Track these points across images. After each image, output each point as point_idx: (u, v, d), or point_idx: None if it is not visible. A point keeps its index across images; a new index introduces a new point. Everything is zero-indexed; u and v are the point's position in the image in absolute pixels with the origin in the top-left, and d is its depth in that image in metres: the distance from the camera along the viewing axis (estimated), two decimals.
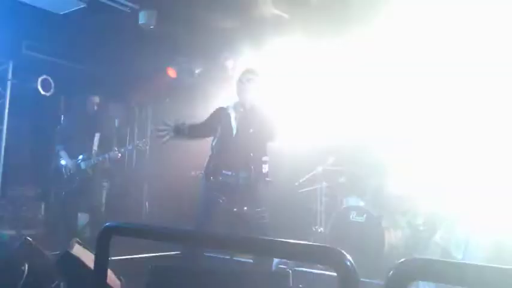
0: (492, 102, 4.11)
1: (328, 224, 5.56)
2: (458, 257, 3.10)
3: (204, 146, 4.30)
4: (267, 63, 6.48)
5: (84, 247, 3.70)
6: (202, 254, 3.94)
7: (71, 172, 5.61)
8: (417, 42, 5.20)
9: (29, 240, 4.03)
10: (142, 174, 8.02)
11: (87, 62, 6.90)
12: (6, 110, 6.36)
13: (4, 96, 6.38)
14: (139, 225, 2.29)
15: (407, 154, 5.73)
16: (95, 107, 5.81)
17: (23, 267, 3.73)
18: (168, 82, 7.40)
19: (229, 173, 3.78)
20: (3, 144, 6.29)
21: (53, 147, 5.74)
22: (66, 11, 5.57)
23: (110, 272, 3.13)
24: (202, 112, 4.53)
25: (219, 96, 6.73)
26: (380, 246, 5.13)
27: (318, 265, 4.64)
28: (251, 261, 4.00)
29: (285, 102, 6.47)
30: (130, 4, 5.49)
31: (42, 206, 6.44)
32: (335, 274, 1.27)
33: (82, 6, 5.41)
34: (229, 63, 6.88)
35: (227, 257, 4.81)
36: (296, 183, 6.18)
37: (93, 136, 5.80)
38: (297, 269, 4.85)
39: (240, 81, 3.89)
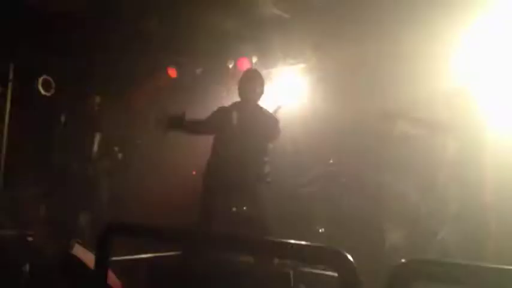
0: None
1: (329, 224, 5.55)
2: (458, 257, 3.10)
3: (204, 146, 4.30)
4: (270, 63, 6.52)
5: (85, 247, 3.70)
6: (202, 254, 3.94)
7: (72, 172, 5.62)
8: None
9: (30, 241, 4.04)
10: (143, 174, 8.00)
11: (88, 62, 6.89)
12: (7, 110, 6.35)
13: (4, 96, 6.38)
14: (139, 225, 2.29)
15: (408, 153, 5.74)
16: (96, 107, 5.81)
17: (23, 268, 3.74)
18: (169, 82, 7.40)
19: (230, 173, 3.79)
20: (4, 144, 6.29)
21: (54, 147, 5.74)
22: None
23: (110, 272, 3.14)
24: (203, 112, 4.54)
25: (220, 96, 6.73)
26: (380, 247, 5.12)
27: (319, 265, 4.64)
28: (252, 261, 4.01)
29: (287, 102, 6.49)
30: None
31: (42, 206, 6.43)
32: (336, 274, 1.27)
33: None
34: (231, 64, 6.88)
35: (227, 258, 4.81)
36: (296, 184, 6.18)
37: (94, 136, 5.81)
38: (297, 269, 4.85)
39: (242, 81, 3.89)
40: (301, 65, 6.46)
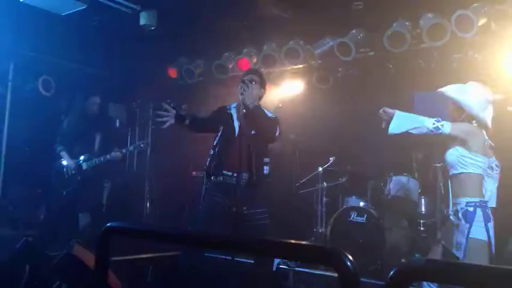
0: None
1: (329, 224, 5.56)
2: (459, 256, 3.09)
3: (204, 146, 4.30)
4: (267, 62, 6.51)
5: (85, 247, 3.70)
6: (203, 254, 3.94)
7: (72, 172, 5.62)
8: None
9: (30, 241, 4.04)
10: (143, 174, 8.02)
11: (88, 63, 6.90)
12: (7, 111, 6.36)
13: (5, 97, 6.38)
14: (140, 225, 2.29)
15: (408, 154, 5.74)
16: (96, 108, 5.81)
17: (24, 268, 3.74)
18: (169, 82, 7.40)
19: (230, 173, 3.79)
20: (4, 144, 6.29)
21: (54, 148, 5.75)
22: (67, 12, 5.57)
23: (110, 272, 3.14)
24: (203, 112, 4.54)
25: (220, 96, 6.73)
26: (381, 247, 5.13)
27: (319, 265, 4.65)
28: (252, 261, 4.01)
29: (286, 103, 6.49)
30: (131, 5, 5.50)
31: (43, 207, 6.44)
32: (336, 274, 1.27)
33: (83, 7, 5.42)
34: (231, 64, 6.88)
35: (228, 258, 4.82)
36: (297, 184, 6.18)
37: (94, 137, 5.81)
38: (297, 269, 4.85)
39: (243, 81, 3.89)
40: (302, 65, 6.46)
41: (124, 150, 5.82)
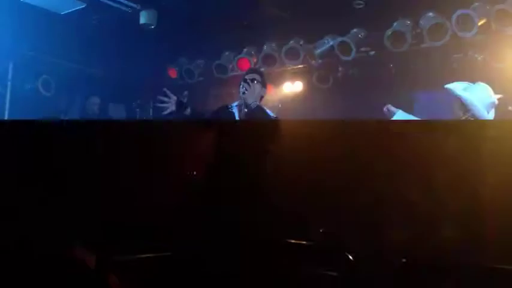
0: None
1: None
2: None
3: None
4: (267, 62, 6.50)
5: (85, 248, 3.68)
6: (203, 254, 3.93)
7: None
8: None
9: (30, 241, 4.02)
10: None
11: (88, 63, 6.89)
12: (7, 111, 6.34)
13: (4, 97, 6.37)
14: (139, 225, 2.28)
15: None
16: (96, 108, 5.81)
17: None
18: (169, 82, 7.38)
19: (230, 173, 3.77)
20: None
21: None
22: (67, 11, 5.56)
23: (110, 273, 3.13)
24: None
25: (220, 96, 6.73)
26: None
27: (319, 265, 4.63)
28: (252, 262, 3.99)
29: (286, 103, 6.48)
30: (131, 4, 5.49)
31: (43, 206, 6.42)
32: (336, 274, 1.27)
33: (82, 6, 5.41)
34: (231, 64, 6.87)
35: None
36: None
37: None
38: (297, 269, 4.83)
39: (244, 80, 3.87)
40: (302, 65, 6.45)
41: None
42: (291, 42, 6.25)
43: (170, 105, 3.84)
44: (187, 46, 6.74)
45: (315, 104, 6.59)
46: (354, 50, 5.71)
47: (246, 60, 6.68)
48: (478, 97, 3.23)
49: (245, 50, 6.72)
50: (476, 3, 4.92)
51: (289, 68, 6.56)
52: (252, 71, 4.18)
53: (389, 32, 5.37)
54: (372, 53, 5.94)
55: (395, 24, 5.39)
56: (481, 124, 3.01)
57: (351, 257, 1.27)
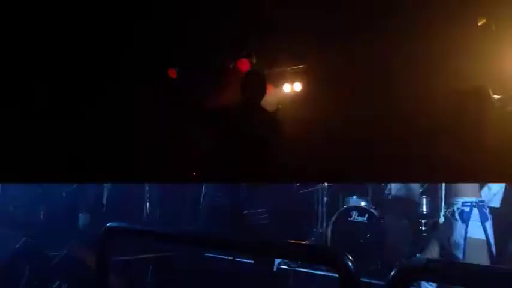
0: None
1: (330, 224, 5.56)
2: (459, 256, 3.10)
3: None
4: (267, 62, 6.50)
5: (85, 248, 3.70)
6: (203, 255, 3.94)
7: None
8: None
9: (30, 241, 4.04)
10: None
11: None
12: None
13: None
14: (140, 226, 2.29)
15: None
16: None
17: (24, 268, 3.74)
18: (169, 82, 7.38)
19: (230, 174, 3.77)
20: None
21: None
22: None
23: (110, 273, 3.14)
24: None
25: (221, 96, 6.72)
26: (381, 247, 5.12)
27: (319, 266, 4.64)
28: (252, 262, 4.01)
29: (285, 103, 6.48)
30: None
31: (43, 207, 6.43)
32: (336, 275, 1.27)
33: None
34: (231, 64, 6.87)
35: (229, 258, 4.82)
36: (297, 184, 6.18)
37: None
38: (298, 269, 4.85)
39: (243, 82, 3.87)
40: (302, 66, 6.45)
41: None
42: (291, 42, 6.24)
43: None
44: (188, 46, 6.74)
45: (315, 104, 6.60)
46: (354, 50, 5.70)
47: (246, 61, 6.68)
48: None
49: (245, 50, 6.72)
50: (476, 3, 4.92)
51: (289, 68, 6.56)
52: (252, 71, 4.17)
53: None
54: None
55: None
56: None
57: (350, 258, 1.27)
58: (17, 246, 3.95)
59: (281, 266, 4.65)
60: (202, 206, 3.94)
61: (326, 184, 5.90)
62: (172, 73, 7.37)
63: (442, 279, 1.26)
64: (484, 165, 3.35)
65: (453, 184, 3.27)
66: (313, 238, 5.83)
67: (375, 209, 5.40)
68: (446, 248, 3.25)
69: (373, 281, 4.22)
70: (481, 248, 3.07)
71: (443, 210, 3.39)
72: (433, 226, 5.13)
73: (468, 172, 3.11)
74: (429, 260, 1.25)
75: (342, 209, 5.58)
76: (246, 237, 2.29)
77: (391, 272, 1.23)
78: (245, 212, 3.72)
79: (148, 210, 7.87)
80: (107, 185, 6.68)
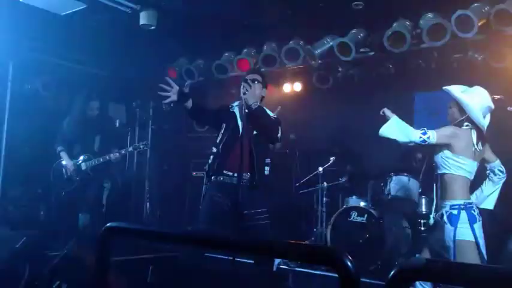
0: None
1: (329, 224, 5.56)
2: (449, 259, 3.10)
3: (204, 147, 4.30)
4: (267, 62, 6.50)
5: (85, 247, 3.69)
6: (203, 254, 3.94)
7: (72, 173, 5.62)
8: None
9: (30, 241, 4.03)
10: (143, 174, 8.01)
11: (88, 63, 6.90)
12: (7, 111, 6.35)
13: (4, 97, 6.37)
14: (140, 226, 2.29)
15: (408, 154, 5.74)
16: (95, 112, 5.81)
17: (24, 268, 3.74)
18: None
19: (231, 173, 3.77)
20: (4, 144, 6.28)
21: (53, 148, 5.74)
22: (67, 12, 5.57)
23: (110, 273, 3.13)
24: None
25: (220, 96, 6.73)
26: (381, 247, 5.13)
27: (319, 266, 4.64)
28: (252, 262, 4.00)
29: (286, 103, 6.49)
30: (130, 4, 5.49)
31: (43, 207, 6.43)
32: (336, 275, 1.27)
33: (82, 7, 5.41)
34: (231, 64, 6.87)
35: (228, 258, 4.81)
36: (297, 184, 6.18)
37: (94, 138, 5.80)
38: (297, 269, 4.85)
39: (245, 81, 3.86)
40: (302, 65, 6.46)
41: (123, 151, 5.82)
42: (291, 42, 6.25)
43: (172, 95, 3.82)
44: (187, 46, 6.75)
45: (315, 104, 6.61)
46: (354, 50, 5.71)
47: (246, 61, 6.68)
48: (475, 101, 3.24)
49: (245, 50, 6.73)
50: (476, 4, 4.92)
51: (289, 68, 6.57)
52: (252, 71, 4.17)
53: (389, 32, 5.37)
54: (372, 53, 5.94)
55: (395, 24, 5.39)
56: None
57: (350, 258, 1.27)
58: (17, 246, 3.94)
59: (281, 266, 4.65)
60: (202, 206, 3.93)
61: (326, 184, 5.90)
62: (173, 73, 7.38)
63: (443, 280, 1.26)
64: None
65: (442, 185, 3.28)
66: (313, 238, 5.84)
67: (374, 209, 5.41)
68: (437, 250, 3.27)
69: (373, 281, 4.22)
70: (470, 250, 3.07)
71: (433, 212, 3.40)
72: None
73: None
74: (429, 260, 1.25)
75: (341, 209, 5.59)
76: (246, 237, 2.28)
77: (391, 272, 1.23)
78: (245, 212, 3.71)
79: (148, 210, 7.89)
80: (106, 185, 6.68)
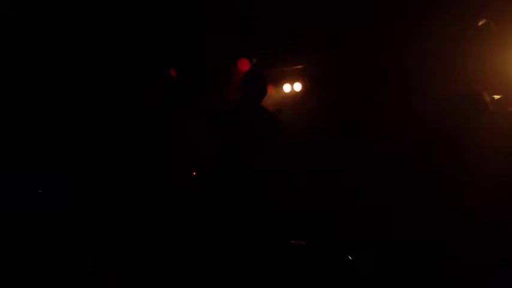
0: None
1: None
2: None
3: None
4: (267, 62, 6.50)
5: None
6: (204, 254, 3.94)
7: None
8: None
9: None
10: None
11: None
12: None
13: None
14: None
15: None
16: None
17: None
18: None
19: (230, 174, 3.77)
20: None
21: None
22: None
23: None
24: None
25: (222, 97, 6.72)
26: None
27: (320, 265, 4.64)
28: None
29: (286, 103, 6.49)
30: None
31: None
32: (336, 275, 1.27)
33: None
34: (233, 64, 6.87)
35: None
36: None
37: None
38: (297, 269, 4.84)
39: (246, 81, 3.87)
40: (302, 66, 6.45)
41: None
42: (291, 42, 6.24)
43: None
44: (187, 46, 6.74)
45: (315, 104, 6.59)
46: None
47: (246, 61, 6.67)
48: None
49: (245, 50, 6.72)
50: (477, 4, 4.92)
51: (289, 68, 6.56)
52: (255, 71, 4.16)
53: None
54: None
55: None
56: None
57: (351, 258, 1.28)
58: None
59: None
60: (202, 206, 3.93)
61: None
62: (173, 72, 7.37)
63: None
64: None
65: None
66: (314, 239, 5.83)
67: None
68: None
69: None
70: None
71: None
72: None
73: None
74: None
75: None
76: (246, 238, 2.28)
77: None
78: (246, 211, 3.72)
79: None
80: None
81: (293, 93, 6.86)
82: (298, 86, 6.91)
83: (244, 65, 6.64)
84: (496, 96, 3.42)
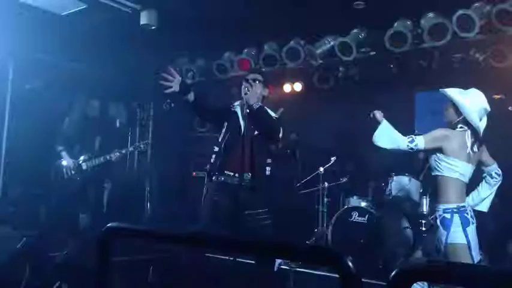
0: None
1: (330, 224, 5.56)
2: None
3: (204, 147, 4.29)
4: (267, 62, 6.50)
5: (85, 248, 3.70)
6: (204, 255, 3.93)
7: (72, 173, 5.62)
8: None
9: (30, 241, 4.03)
10: (143, 174, 8.01)
11: (89, 63, 6.89)
12: (7, 111, 6.34)
13: (5, 97, 6.37)
14: (140, 226, 2.28)
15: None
16: (96, 111, 5.81)
17: (24, 268, 3.74)
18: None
19: (232, 173, 3.76)
20: (4, 144, 6.28)
21: (54, 148, 5.75)
22: (67, 12, 5.57)
23: (111, 273, 3.13)
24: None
25: (220, 96, 6.72)
26: (382, 247, 5.12)
27: (320, 267, 4.64)
28: (253, 262, 4.00)
29: (286, 103, 6.48)
30: (131, 4, 5.49)
31: (43, 207, 6.43)
32: (337, 275, 1.26)
33: (83, 7, 5.42)
34: (231, 64, 6.87)
35: (229, 259, 4.81)
36: (298, 184, 6.18)
37: (95, 138, 5.81)
38: (298, 269, 4.84)
39: (246, 81, 3.85)
40: (302, 65, 6.45)
41: (124, 151, 5.82)
42: (291, 42, 6.25)
43: (174, 85, 3.77)
44: (188, 46, 6.74)
45: (316, 104, 6.60)
46: (355, 50, 5.71)
47: (246, 61, 6.68)
48: (471, 102, 3.22)
49: (245, 50, 6.72)
50: (477, 4, 4.92)
51: (289, 68, 6.56)
52: (253, 71, 4.15)
53: (390, 32, 5.37)
54: (373, 53, 5.94)
55: (396, 24, 5.39)
56: None
57: (351, 259, 1.26)
58: (17, 247, 3.94)
59: (281, 267, 4.64)
60: (203, 206, 3.92)
61: (327, 184, 5.90)
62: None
63: (444, 280, 1.25)
64: None
65: (436, 187, 3.27)
66: (314, 238, 5.83)
67: (375, 210, 5.40)
68: (429, 251, 3.26)
69: (373, 282, 4.21)
70: (462, 253, 3.06)
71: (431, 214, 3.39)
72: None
73: None
74: (430, 261, 1.25)
75: (342, 209, 5.58)
76: (247, 237, 2.27)
77: (392, 272, 1.22)
78: (246, 212, 3.71)
79: (148, 210, 7.89)
80: (107, 185, 6.68)
81: (293, 93, 6.87)
82: (298, 86, 6.93)
83: (244, 65, 6.65)
84: (496, 96, 3.42)
